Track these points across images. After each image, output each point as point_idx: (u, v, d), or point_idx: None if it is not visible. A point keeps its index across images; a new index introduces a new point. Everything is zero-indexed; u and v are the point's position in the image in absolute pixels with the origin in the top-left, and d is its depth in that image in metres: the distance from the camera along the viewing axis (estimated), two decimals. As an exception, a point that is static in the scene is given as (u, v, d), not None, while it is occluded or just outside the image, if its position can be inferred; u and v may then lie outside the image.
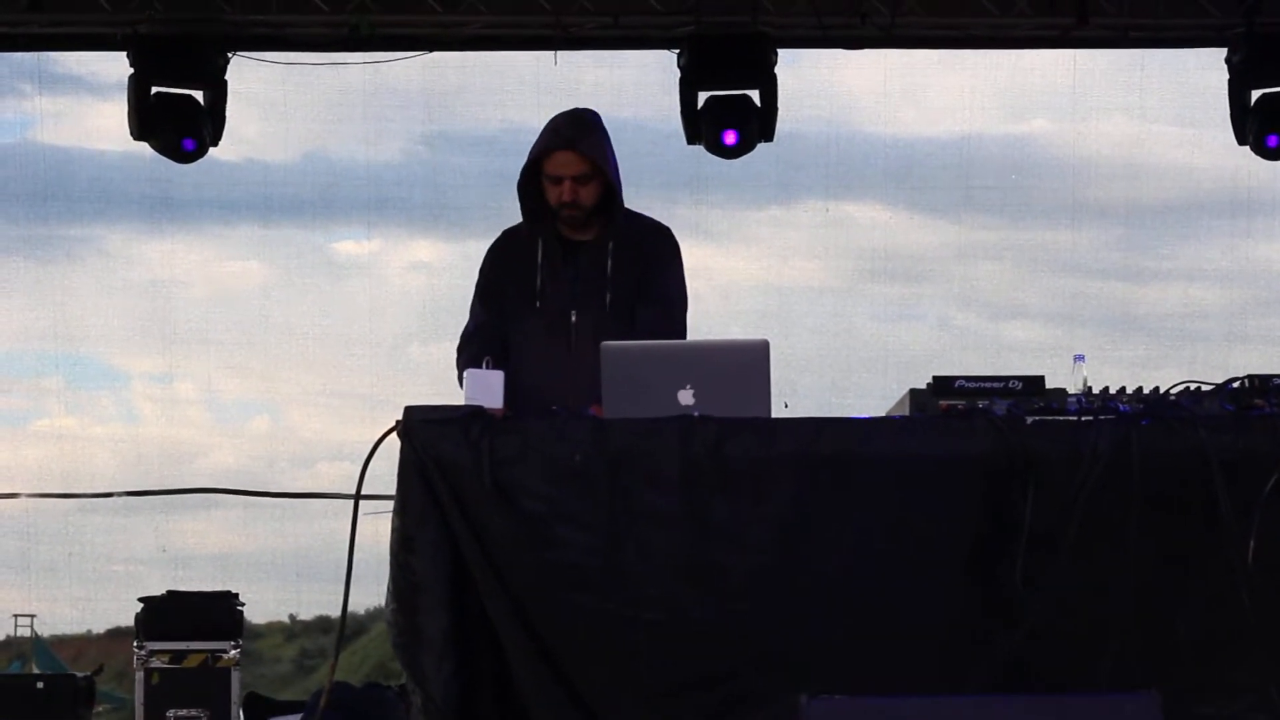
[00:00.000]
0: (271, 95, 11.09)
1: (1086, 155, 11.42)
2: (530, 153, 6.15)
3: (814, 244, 11.69)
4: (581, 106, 6.29)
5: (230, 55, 10.33)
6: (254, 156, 11.78)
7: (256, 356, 11.81)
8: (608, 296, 6.14)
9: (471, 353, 6.11)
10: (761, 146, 10.35)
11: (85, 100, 12.22)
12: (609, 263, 6.17)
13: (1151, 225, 11.77)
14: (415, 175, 11.68)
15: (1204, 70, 10.73)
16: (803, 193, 11.63)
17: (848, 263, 11.94)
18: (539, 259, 6.19)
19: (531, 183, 6.17)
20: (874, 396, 10.88)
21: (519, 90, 11.07)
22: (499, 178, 11.24)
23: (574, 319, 6.12)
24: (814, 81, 11.18)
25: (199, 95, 10.27)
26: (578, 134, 6.11)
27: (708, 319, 10.08)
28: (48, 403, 11.82)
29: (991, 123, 11.62)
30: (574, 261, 6.20)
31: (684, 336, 6.19)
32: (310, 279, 12.10)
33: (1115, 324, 11.69)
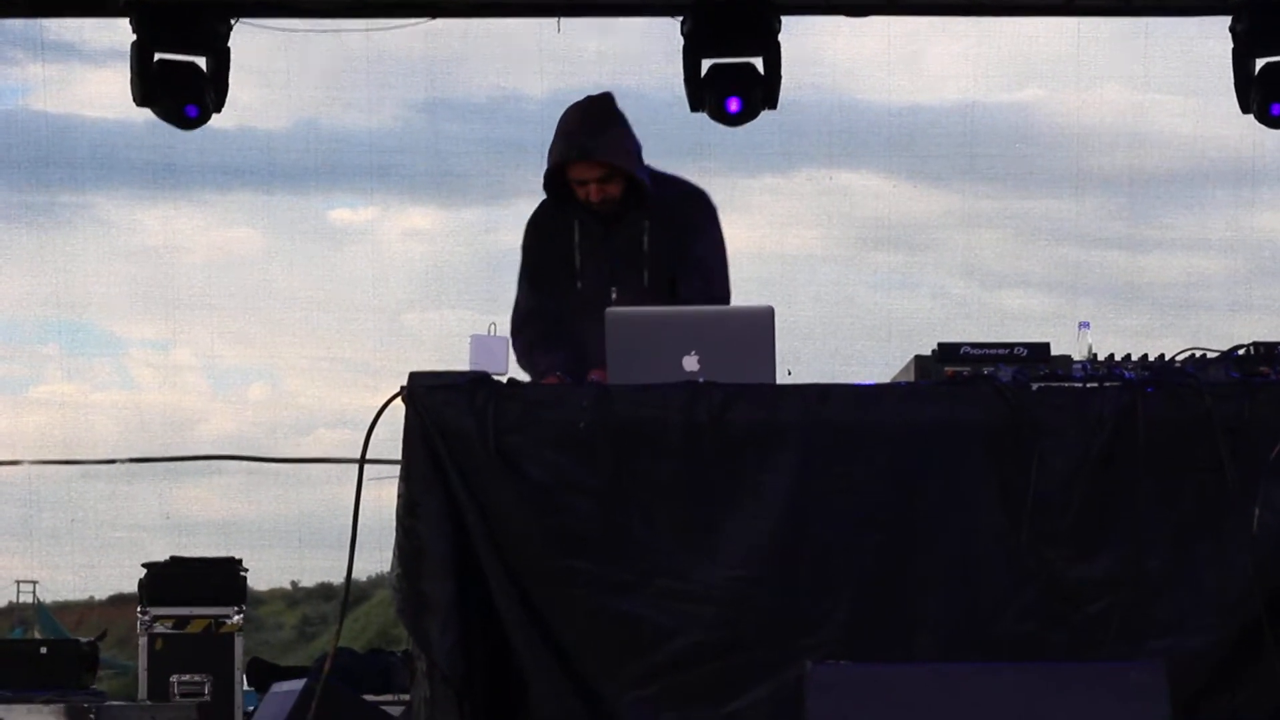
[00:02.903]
0: (271, 62, 11.09)
1: (1089, 124, 11.41)
2: (550, 157, 6.05)
3: (815, 212, 11.70)
4: (592, 95, 6.16)
5: (233, 21, 10.31)
6: (253, 123, 11.77)
7: (256, 323, 11.82)
8: (645, 274, 6.13)
9: (529, 338, 6.11)
10: (762, 114, 10.31)
11: (78, 67, 12.20)
12: (645, 239, 6.13)
13: (1154, 194, 11.78)
14: (415, 143, 11.65)
15: (1208, 39, 10.69)
16: (804, 161, 11.63)
17: (849, 231, 11.97)
18: (576, 238, 6.15)
19: (556, 173, 6.10)
20: (876, 365, 10.88)
21: (521, 58, 11.03)
22: (499, 145, 11.23)
23: (614, 296, 6.07)
24: (814, 49, 11.17)
25: (201, 62, 10.25)
26: (591, 141, 6.01)
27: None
28: (47, 369, 11.84)
29: (993, 91, 11.62)
30: (610, 239, 6.15)
31: (728, 303, 6.10)
32: (310, 246, 12.11)
33: (1117, 293, 11.69)
